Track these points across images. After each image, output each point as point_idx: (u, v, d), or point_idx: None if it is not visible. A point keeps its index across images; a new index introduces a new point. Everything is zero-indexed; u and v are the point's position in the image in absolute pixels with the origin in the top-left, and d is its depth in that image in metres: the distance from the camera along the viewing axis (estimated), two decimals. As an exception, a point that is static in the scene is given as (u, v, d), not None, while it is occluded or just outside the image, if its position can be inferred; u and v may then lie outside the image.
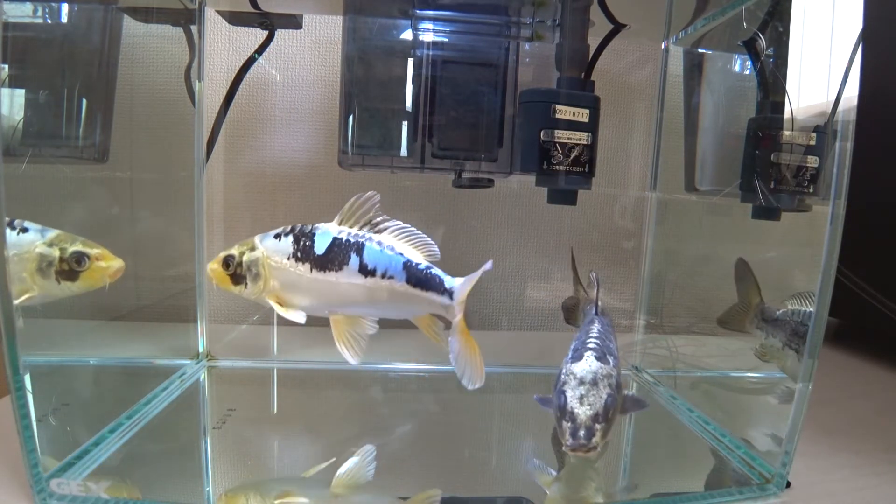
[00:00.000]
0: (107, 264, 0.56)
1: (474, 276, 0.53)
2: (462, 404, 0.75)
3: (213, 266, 0.56)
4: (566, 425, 0.46)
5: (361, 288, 0.53)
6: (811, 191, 0.60)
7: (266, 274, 0.54)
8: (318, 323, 0.56)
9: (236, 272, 0.55)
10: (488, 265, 0.52)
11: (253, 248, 0.55)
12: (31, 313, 0.53)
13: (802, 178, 0.60)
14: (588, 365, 0.50)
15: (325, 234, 0.54)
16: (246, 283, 0.55)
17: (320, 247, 0.54)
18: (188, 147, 0.75)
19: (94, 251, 0.56)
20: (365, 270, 0.53)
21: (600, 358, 0.51)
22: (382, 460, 0.56)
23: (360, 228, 0.54)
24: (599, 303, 0.67)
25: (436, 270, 0.54)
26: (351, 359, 0.54)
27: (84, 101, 0.63)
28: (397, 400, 0.77)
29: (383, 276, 0.53)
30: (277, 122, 0.93)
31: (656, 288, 0.83)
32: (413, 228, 0.55)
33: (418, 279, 0.54)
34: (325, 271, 0.54)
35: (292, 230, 0.55)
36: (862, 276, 0.84)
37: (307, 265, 0.54)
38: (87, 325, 0.68)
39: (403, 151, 0.65)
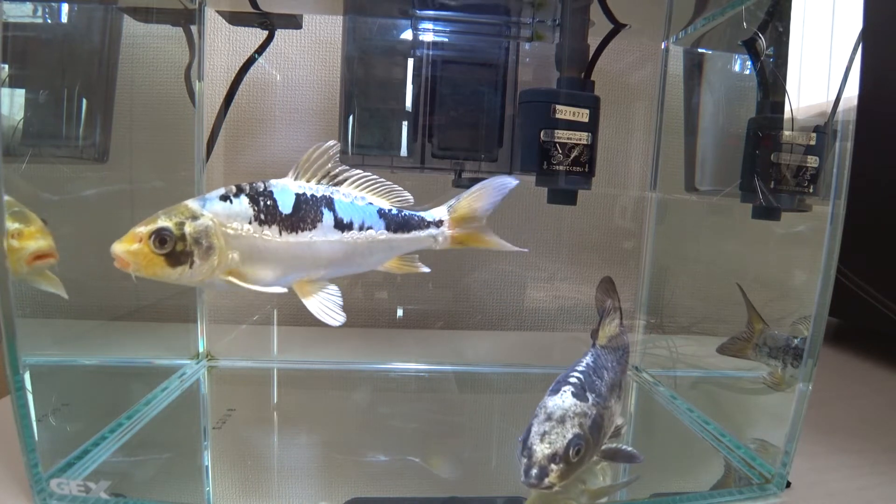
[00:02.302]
0: (20, 245, 0.43)
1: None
2: (462, 404, 0.75)
3: (132, 247, 0.43)
4: (523, 461, 0.44)
5: (339, 244, 0.49)
6: (811, 191, 0.60)
7: (222, 245, 0.44)
8: (317, 322, 0.55)
9: (175, 250, 0.43)
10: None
11: (195, 217, 0.44)
12: (32, 313, 0.53)
13: (802, 178, 0.60)
14: (561, 400, 0.46)
15: (285, 190, 0.47)
16: (192, 262, 0.44)
17: (285, 205, 0.47)
18: (188, 147, 0.75)
19: (13, 226, 0.43)
20: (341, 225, 0.49)
21: (577, 395, 0.47)
22: (383, 460, 0.56)
23: (318, 181, 0.49)
24: (604, 333, 0.59)
25: (405, 211, 0.52)
26: (334, 321, 0.48)
27: (84, 101, 0.62)
28: (397, 400, 0.77)
29: (361, 229, 0.50)
30: (277, 122, 0.93)
31: (656, 288, 0.83)
32: (375, 176, 0.51)
33: (397, 224, 0.52)
34: (297, 232, 0.47)
35: (241, 190, 0.46)
36: (862, 276, 0.84)
37: (275, 228, 0.46)
38: (87, 325, 0.68)
39: (403, 151, 0.65)
